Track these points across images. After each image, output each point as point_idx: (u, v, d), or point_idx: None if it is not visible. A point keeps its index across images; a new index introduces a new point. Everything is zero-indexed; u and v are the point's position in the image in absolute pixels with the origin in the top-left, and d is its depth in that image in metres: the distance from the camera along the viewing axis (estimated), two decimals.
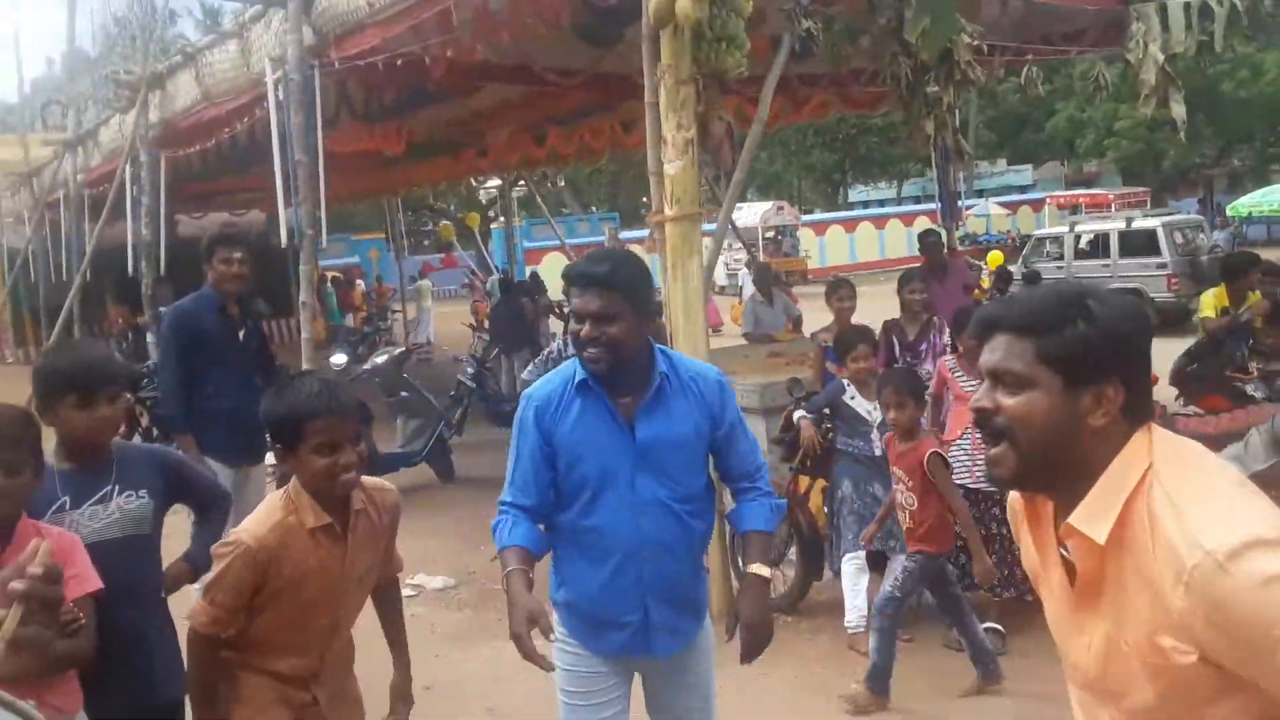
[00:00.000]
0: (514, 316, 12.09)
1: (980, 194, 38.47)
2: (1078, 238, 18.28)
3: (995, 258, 16.85)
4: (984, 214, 32.97)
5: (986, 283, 14.33)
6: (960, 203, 31.63)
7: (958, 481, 4.96)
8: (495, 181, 19.86)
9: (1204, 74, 19.23)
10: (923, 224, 34.53)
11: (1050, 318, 1.46)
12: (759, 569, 2.66)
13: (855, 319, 6.27)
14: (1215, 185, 38.77)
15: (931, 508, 4.45)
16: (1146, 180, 35.97)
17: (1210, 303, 7.29)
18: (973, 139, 8.35)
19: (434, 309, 21.08)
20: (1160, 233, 17.12)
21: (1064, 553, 1.53)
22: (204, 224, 16.53)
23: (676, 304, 5.20)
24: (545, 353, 5.86)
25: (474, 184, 20.47)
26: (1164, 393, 6.31)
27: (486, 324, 13.19)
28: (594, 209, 39.55)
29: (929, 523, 4.46)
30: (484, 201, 29.70)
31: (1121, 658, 1.42)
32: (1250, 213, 19.67)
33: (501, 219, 22.58)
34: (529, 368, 5.86)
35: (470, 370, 9.62)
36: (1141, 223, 17.77)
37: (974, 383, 5.04)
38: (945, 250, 8.48)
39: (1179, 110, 7.64)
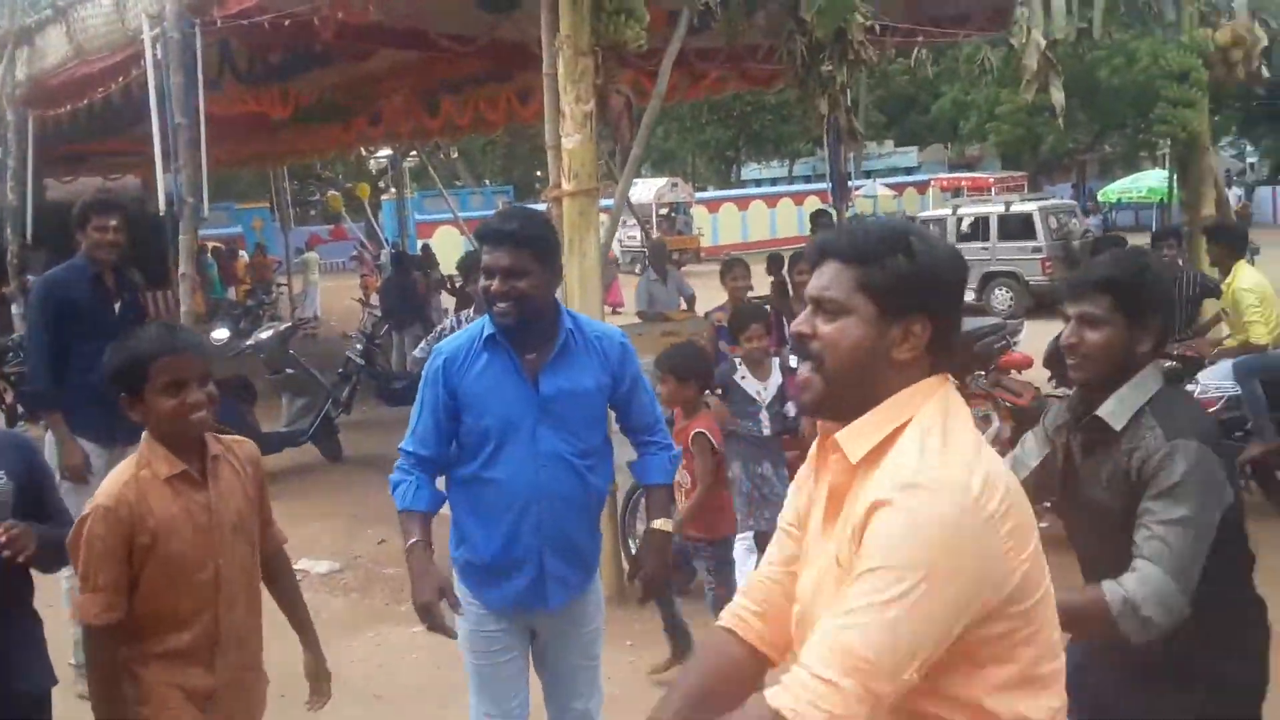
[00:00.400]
0: (405, 291, 11.85)
1: (868, 175, 39.29)
2: (959, 220, 18.86)
3: None
4: (871, 195, 33.66)
5: None
6: (849, 183, 32.22)
7: None
8: (386, 152, 19.40)
9: (1081, 60, 19.99)
10: (814, 204, 35.04)
11: (875, 249, 1.50)
12: (662, 524, 2.85)
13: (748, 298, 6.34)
14: (1088, 171, 40.38)
15: (706, 489, 4.43)
16: (1025, 165, 37.20)
17: None
18: (863, 119, 8.53)
19: (321, 283, 20.56)
20: (1036, 217, 17.78)
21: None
22: (75, 188, 15.68)
23: (573, 280, 5.15)
24: (438, 329, 5.78)
25: (364, 154, 19.95)
26: (1038, 374, 6.54)
27: (376, 299, 12.92)
28: (488, 182, 39.03)
29: (702, 504, 4.42)
30: (374, 172, 29.01)
31: (833, 579, 1.45)
32: (1119, 199, 20.57)
33: (393, 190, 22.10)
34: (421, 345, 5.76)
35: (359, 347, 9.43)
36: (1019, 207, 18.42)
37: None
38: None
39: (1058, 96, 7.89)
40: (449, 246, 18.54)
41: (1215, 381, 6.14)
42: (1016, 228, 17.82)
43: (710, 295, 8.34)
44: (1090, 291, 2.17)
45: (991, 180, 26.53)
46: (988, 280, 17.94)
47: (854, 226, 1.61)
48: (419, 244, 18.71)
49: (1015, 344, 10.21)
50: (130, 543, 2.32)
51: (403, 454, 2.74)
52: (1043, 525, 1.57)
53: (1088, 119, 33.92)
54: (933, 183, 24.92)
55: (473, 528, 2.71)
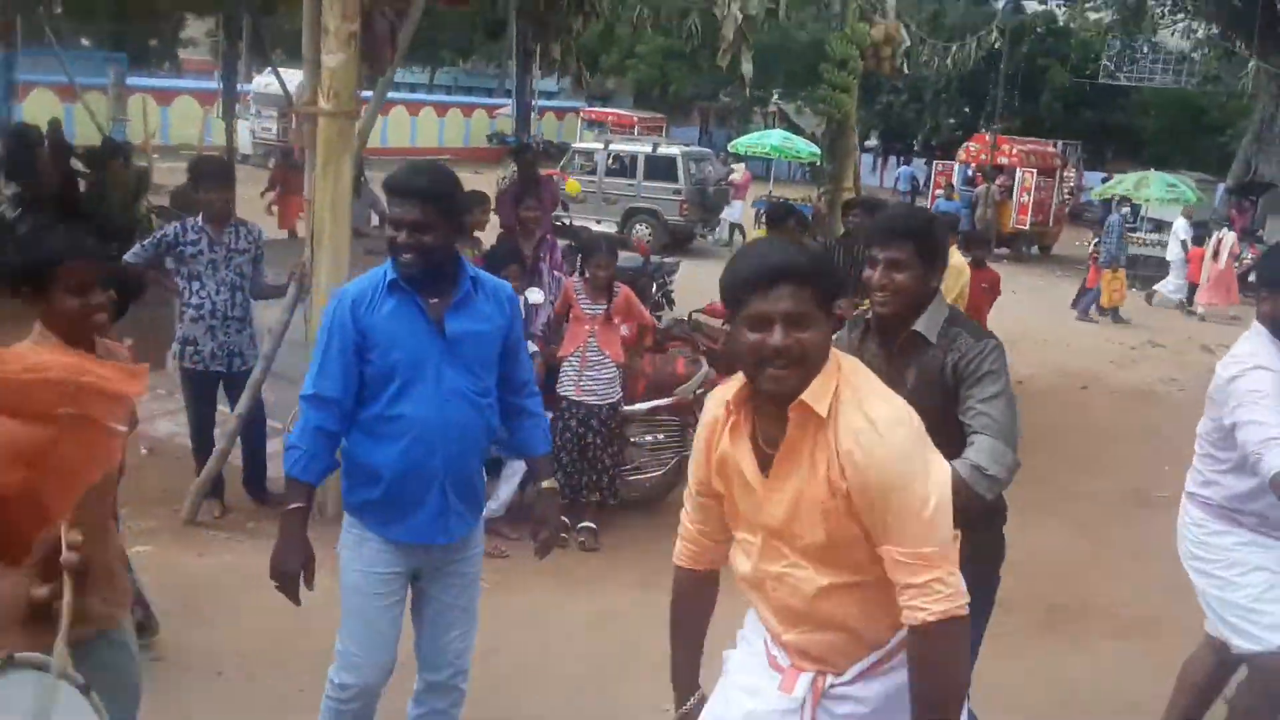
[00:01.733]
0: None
1: (509, 94, 39.37)
2: (609, 156, 19.74)
3: (573, 186, 17.74)
4: (511, 115, 33.88)
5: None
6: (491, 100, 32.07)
7: (565, 395, 5.47)
8: None
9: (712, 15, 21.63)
10: (482, 118, 34.56)
11: (821, 269, 1.99)
12: (550, 484, 3.12)
13: None
14: (710, 119, 43.45)
15: None
16: (654, 105, 39.27)
17: None
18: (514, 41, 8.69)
19: None
20: (679, 161, 19.07)
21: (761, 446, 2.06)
22: None
23: (324, 204, 5.03)
24: (158, 235, 5.32)
25: None
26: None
27: None
28: (95, 43, 34.29)
29: None
30: None
31: (805, 507, 1.96)
32: (747, 152, 22.48)
33: None
34: (135, 247, 5.28)
35: None
36: (665, 149, 19.63)
37: (596, 306, 5.51)
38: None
39: (747, 68, 8.69)
40: (43, 110, 16.50)
41: None
42: (661, 168, 18.96)
43: None
44: (896, 239, 2.71)
45: (635, 119, 27.73)
46: (630, 215, 19.02)
47: (793, 252, 2.00)
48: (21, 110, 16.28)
49: (673, 281, 11.12)
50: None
51: (306, 403, 2.78)
52: None
53: (711, 68, 36.70)
54: (581, 113, 25.64)
55: (378, 463, 2.79)
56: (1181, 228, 16.50)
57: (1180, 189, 18.44)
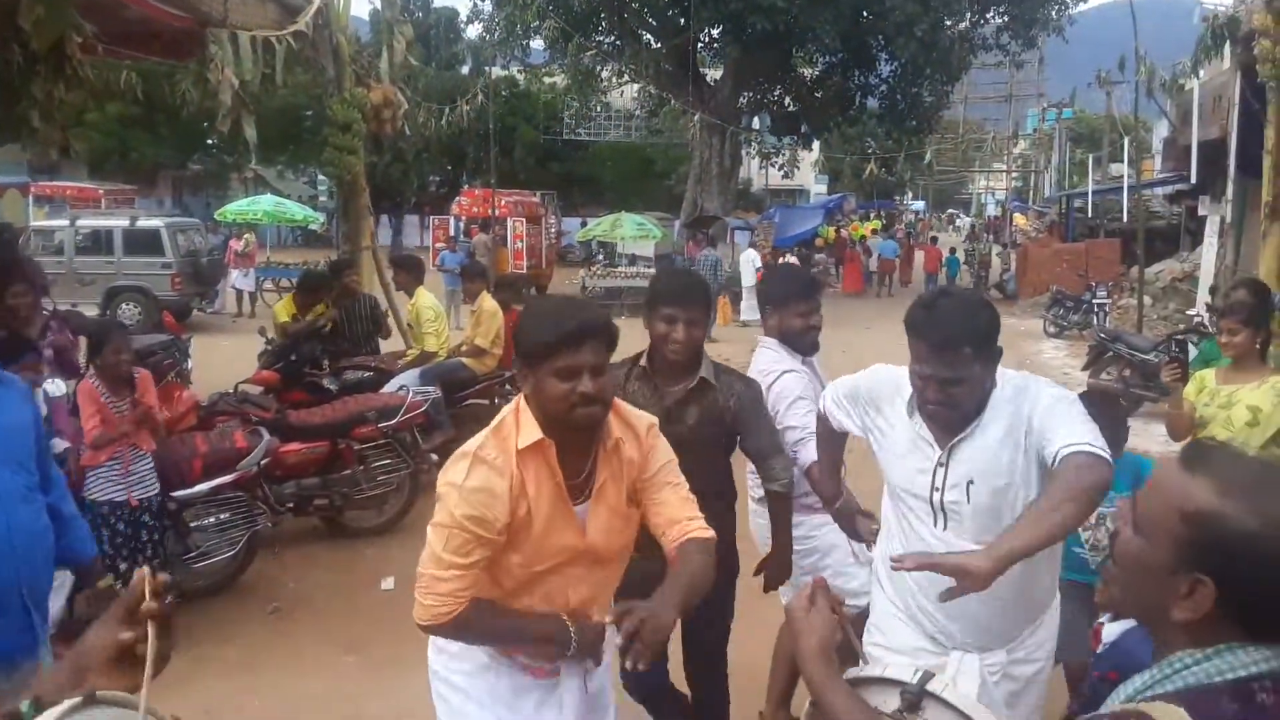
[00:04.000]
0: None
1: None
2: (77, 232, 17.89)
3: None
4: None
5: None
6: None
7: (109, 498, 5.00)
8: None
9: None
10: None
11: (611, 328, 2.41)
12: (107, 581, 3.06)
13: None
14: (182, 187, 40.81)
15: None
16: (114, 174, 36.06)
17: (283, 310, 8.35)
18: None
19: None
20: (164, 233, 17.80)
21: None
22: None
23: None
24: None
25: None
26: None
27: None
28: None
29: None
30: None
31: (617, 521, 2.38)
32: (236, 218, 21.57)
33: None
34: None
35: None
36: (146, 222, 18.22)
37: (122, 403, 5.04)
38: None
39: (251, 132, 8.50)
40: None
41: (413, 385, 7.41)
42: (144, 242, 17.57)
43: None
44: (698, 302, 3.23)
45: (100, 191, 25.25)
46: (114, 295, 17.38)
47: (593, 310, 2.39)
48: None
49: (189, 358, 10.46)
50: None
51: None
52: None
53: (171, 133, 34.55)
54: (32, 189, 22.71)
55: None
56: (752, 258, 19.71)
57: (648, 227, 20.98)
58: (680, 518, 2.38)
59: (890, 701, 1.69)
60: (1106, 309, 17.18)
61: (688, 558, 2.31)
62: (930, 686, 1.68)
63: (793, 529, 3.50)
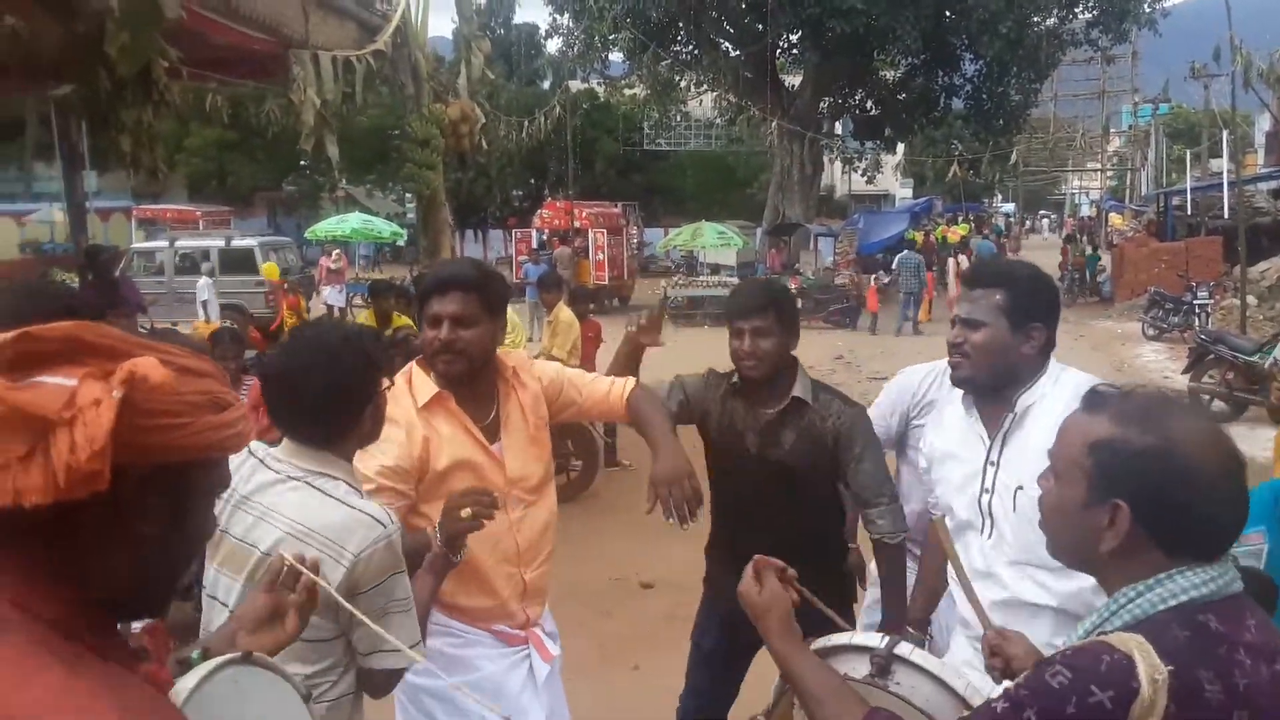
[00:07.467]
0: None
1: (38, 197, 35.50)
2: (176, 253, 18.54)
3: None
4: (48, 220, 30.57)
5: None
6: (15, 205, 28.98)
7: None
8: None
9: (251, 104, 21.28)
10: (8, 227, 30.51)
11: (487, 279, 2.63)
12: None
13: None
14: (276, 208, 42.09)
15: None
16: (213, 197, 37.32)
17: (364, 321, 8.52)
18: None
19: None
20: (257, 252, 18.37)
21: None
22: None
23: None
24: None
25: None
26: None
27: None
28: None
29: None
30: None
31: (533, 449, 2.59)
32: (325, 236, 22.11)
33: None
34: None
35: None
36: (240, 241, 18.81)
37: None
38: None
39: (333, 150, 8.69)
40: None
41: None
42: (239, 261, 18.15)
43: None
44: (759, 310, 2.88)
45: (199, 213, 26.20)
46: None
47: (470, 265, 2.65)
48: None
49: None
50: None
51: None
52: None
53: (267, 158, 35.62)
54: (134, 212, 23.72)
55: None
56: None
57: (729, 235, 20.89)
58: (603, 388, 2.69)
59: (860, 668, 1.70)
60: (1208, 310, 16.49)
61: (639, 409, 2.66)
62: (898, 650, 1.68)
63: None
